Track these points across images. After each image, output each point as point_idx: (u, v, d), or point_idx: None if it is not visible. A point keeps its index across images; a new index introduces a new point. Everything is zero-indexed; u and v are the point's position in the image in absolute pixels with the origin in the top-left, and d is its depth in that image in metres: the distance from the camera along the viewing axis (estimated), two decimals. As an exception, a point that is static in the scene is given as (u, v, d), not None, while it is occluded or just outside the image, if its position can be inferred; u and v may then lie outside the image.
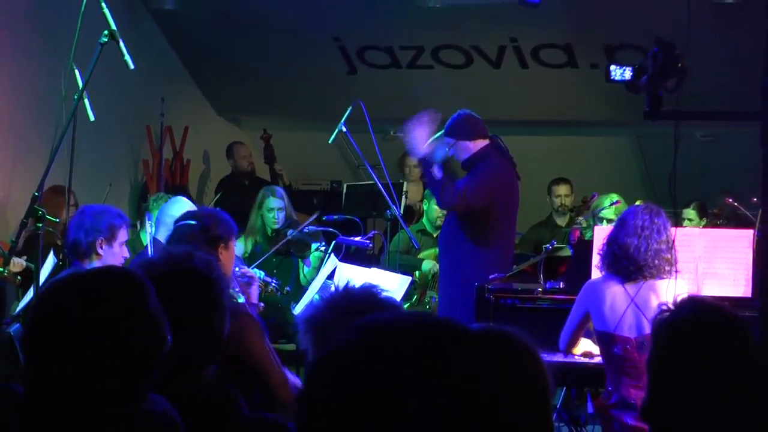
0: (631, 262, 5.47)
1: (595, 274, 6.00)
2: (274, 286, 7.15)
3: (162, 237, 6.69)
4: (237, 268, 5.43)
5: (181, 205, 6.91)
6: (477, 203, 7.19)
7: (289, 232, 8.24)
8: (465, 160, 7.33)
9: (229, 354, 4.40)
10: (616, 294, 5.51)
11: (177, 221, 5.16)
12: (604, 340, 5.55)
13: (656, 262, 5.46)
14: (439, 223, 8.95)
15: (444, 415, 1.42)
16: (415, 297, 8.68)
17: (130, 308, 2.54)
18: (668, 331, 3.02)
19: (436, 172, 7.26)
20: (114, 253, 5.75)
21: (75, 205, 8.08)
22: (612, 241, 5.59)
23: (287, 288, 7.54)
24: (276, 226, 8.55)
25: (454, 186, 7.17)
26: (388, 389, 1.42)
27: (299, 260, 8.38)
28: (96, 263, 5.66)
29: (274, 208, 8.57)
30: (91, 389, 2.43)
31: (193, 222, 4.96)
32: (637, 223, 5.51)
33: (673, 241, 5.53)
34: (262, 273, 7.21)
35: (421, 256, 8.87)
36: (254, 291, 5.58)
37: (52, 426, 2.44)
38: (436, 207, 9.05)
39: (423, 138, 7.30)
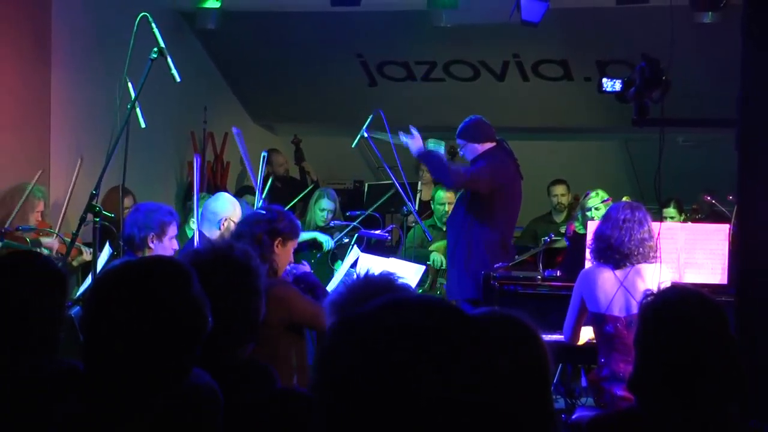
0: (615, 251, 5.47)
1: (589, 264, 6.00)
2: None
3: (206, 231, 6.68)
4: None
5: (223, 201, 6.90)
6: (480, 181, 7.17)
7: (338, 235, 8.32)
8: (472, 160, 7.35)
9: (275, 322, 4.49)
10: (607, 279, 5.51)
11: (255, 209, 5.23)
12: (597, 320, 5.55)
13: (641, 249, 5.46)
14: (445, 219, 9.02)
15: (453, 388, 1.41)
16: (427, 283, 8.67)
17: (175, 293, 2.53)
18: (654, 314, 3.02)
19: (442, 156, 7.32)
20: (164, 247, 5.74)
21: (131, 206, 8.14)
22: (598, 234, 5.59)
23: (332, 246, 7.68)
24: (322, 224, 8.62)
25: (460, 168, 7.22)
26: (399, 360, 1.41)
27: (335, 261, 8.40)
28: (148, 256, 5.67)
29: (325, 209, 8.67)
30: (141, 364, 2.43)
31: (263, 212, 5.00)
32: (619, 217, 5.51)
33: (658, 232, 5.52)
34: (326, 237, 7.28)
35: (432, 247, 8.87)
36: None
37: (109, 396, 2.44)
38: (440, 206, 9.12)
39: (418, 139, 7.36)
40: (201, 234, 6.53)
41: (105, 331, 2.47)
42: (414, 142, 7.33)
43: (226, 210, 6.81)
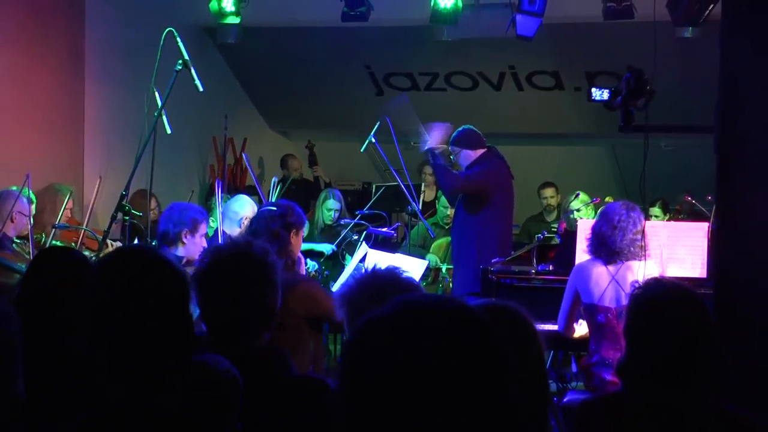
0: (609, 248, 5.48)
1: (578, 258, 6.00)
2: (317, 272, 7.24)
3: (227, 228, 6.70)
4: None
5: (242, 202, 6.97)
6: (474, 184, 7.25)
7: (344, 231, 8.30)
8: (467, 166, 7.39)
9: (299, 314, 4.50)
10: (600, 273, 5.51)
11: (261, 206, 5.25)
12: (590, 310, 5.55)
13: (631, 248, 5.47)
14: (447, 220, 9.01)
15: (461, 372, 1.41)
16: (430, 277, 8.67)
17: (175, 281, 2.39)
18: (641, 305, 3.02)
19: (441, 160, 7.36)
20: (195, 243, 5.73)
21: (157, 206, 8.14)
22: (596, 231, 5.59)
23: (326, 272, 7.64)
24: (329, 222, 8.66)
25: (456, 174, 7.27)
26: (418, 352, 1.41)
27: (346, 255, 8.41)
28: (181, 250, 5.67)
29: (332, 209, 8.70)
30: (152, 342, 2.30)
31: (274, 208, 5.03)
32: (615, 217, 5.51)
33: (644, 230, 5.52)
34: (315, 264, 7.28)
35: (433, 245, 8.88)
36: (302, 268, 5.62)
37: (133, 376, 2.35)
38: (443, 208, 9.11)
39: (437, 138, 7.41)
40: (223, 233, 6.55)
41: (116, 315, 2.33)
42: (431, 141, 7.40)
43: (245, 210, 6.91)
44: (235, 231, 6.74)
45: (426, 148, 7.44)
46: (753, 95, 4.06)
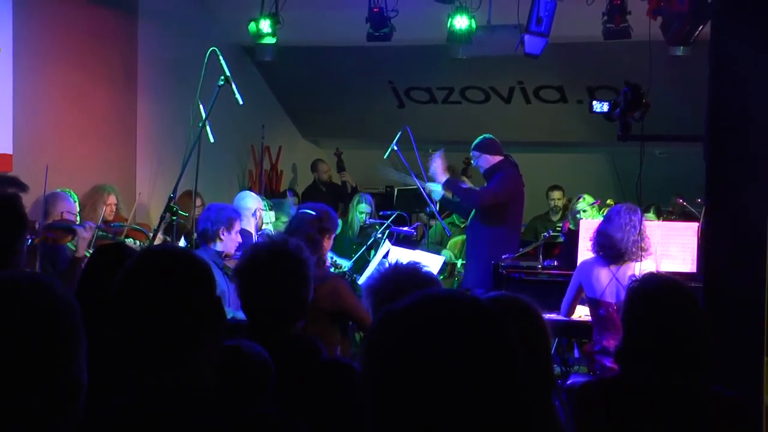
0: (615, 250, 5.45)
1: (581, 255, 6.00)
2: (342, 266, 7.26)
3: (244, 225, 6.70)
4: None
5: (247, 197, 7.05)
6: (500, 199, 7.24)
7: (374, 234, 8.31)
8: (486, 169, 7.40)
9: (325, 307, 4.51)
10: (602, 270, 5.50)
11: (300, 208, 5.24)
12: (593, 304, 5.54)
13: (633, 249, 5.44)
14: (464, 218, 9.01)
15: (474, 359, 1.41)
16: (446, 272, 8.66)
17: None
18: (637, 297, 3.02)
19: (462, 185, 7.37)
20: (231, 239, 5.76)
21: (201, 205, 8.14)
22: (601, 232, 5.56)
23: (348, 268, 7.67)
24: (361, 223, 8.71)
25: (479, 190, 7.26)
26: (434, 341, 1.41)
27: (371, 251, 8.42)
28: (219, 245, 5.70)
29: (363, 212, 8.75)
30: (184, 333, 2.09)
31: (312, 212, 5.01)
32: (620, 221, 5.48)
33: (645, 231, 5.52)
34: (345, 262, 7.31)
35: (450, 242, 8.88)
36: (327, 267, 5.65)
37: (166, 365, 2.21)
38: None
39: (440, 169, 7.44)
40: (243, 230, 6.58)
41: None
42: (437, 185, 7.41)
43: (254, 203, 7.02)
44: (252, 223, 6.81)
45: (443, 185, 7.42)
46: (741, 106, 4.05)
